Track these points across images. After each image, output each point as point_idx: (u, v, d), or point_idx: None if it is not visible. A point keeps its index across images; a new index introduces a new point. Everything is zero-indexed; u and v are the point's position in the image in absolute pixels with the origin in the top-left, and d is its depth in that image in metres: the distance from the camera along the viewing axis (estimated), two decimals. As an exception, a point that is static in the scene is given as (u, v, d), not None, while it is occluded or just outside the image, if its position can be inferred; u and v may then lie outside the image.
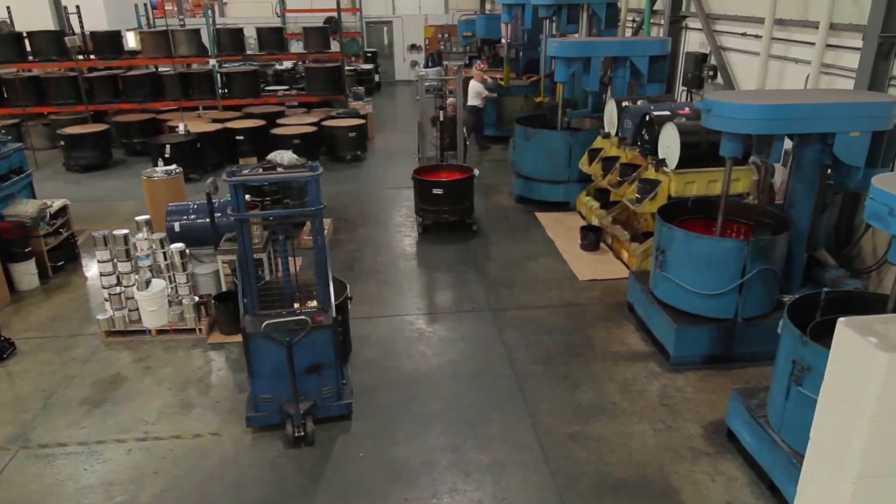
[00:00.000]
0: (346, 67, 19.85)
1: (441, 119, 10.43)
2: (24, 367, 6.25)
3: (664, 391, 5.72)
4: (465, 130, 10.94)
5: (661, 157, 7.86)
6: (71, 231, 8.69)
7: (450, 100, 10.71)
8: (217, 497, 4.63)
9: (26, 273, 7.78)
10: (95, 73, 14.80)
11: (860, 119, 5.46)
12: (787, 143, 7.79)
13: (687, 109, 8.37)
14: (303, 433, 5.08)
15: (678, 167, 7.61)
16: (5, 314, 7.23)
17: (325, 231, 9.24)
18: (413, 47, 24.18)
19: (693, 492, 4.58)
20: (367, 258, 8.65)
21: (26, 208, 7.84)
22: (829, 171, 6.07)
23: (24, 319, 7.16)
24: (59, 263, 8.34)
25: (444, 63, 22.54)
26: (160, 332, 6.75)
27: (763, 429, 4.57)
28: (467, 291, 7.61)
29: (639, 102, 8.96)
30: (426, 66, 22.98)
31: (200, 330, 6.75)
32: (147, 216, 6.97)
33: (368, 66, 21.45)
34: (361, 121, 13.64)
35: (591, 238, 8.69)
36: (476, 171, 9.33)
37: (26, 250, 7.74)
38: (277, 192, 6.27)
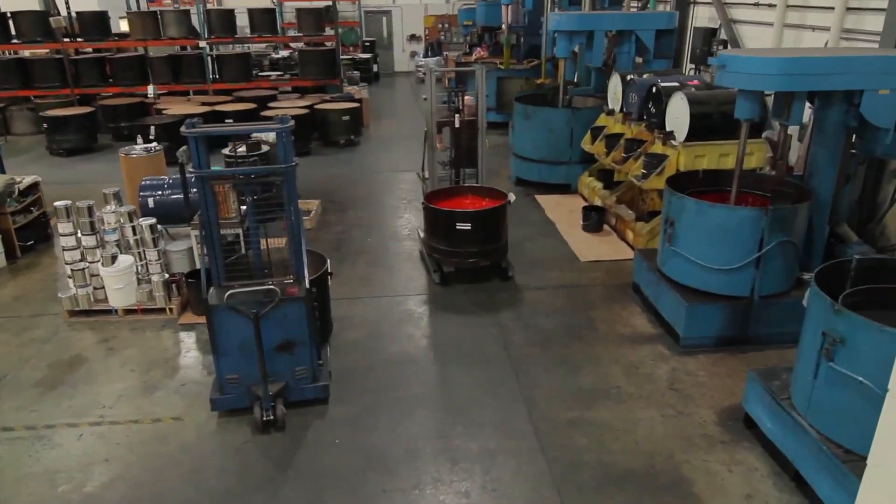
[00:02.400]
0: (344, 56, 19.42)
1: (455, 125, 7.46)
2: (-22, 347, 5.78)
3: (673, 375, 5.21)
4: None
5: (668, 129, 7.35)
6: (43, 210, 8.20)
7: (467, 98, 7.77)
8: (172, 487, 4.13)
9: (-9, 252, 7.31)
10: (82, 56, 14.33)
11: (891, 75, 4.95)
12: (804, 117, 7.31)
13: (696, 81, 7.87)
14: (272, 417, 4.58)
15: (687, 140, 7.11)
16: (-35, 294, 6.76)
17: (312, 212, 8.79)
18: (413, 37, 23.69)
19: (708, 483, 4.06)
20: (356, 239, 8.15)
21: (-9, 183, 7.36)
22: (853, 136, 5.57)
23: (-15, 299, 6.69)
24: (29, 243, 7.86)
25: (444, 53, 22.09)
26: (128, 312, 6.25)
27: (787, 413, 4.05)
28: (461, 272, 7.10)
29: (644, 76, 8.46)
30: (425, 56, 22.52)
31: (171, 310, 6.25)
32: (115, 188, 6.48)
33: (366, 56, 20.97)
34: (356, 104, 13.15)
35: (594, 218, 8.18)
36: (511, 197, 6.78)
37: (-9, 227, 7.27)
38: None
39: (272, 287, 4.43)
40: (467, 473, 4.20)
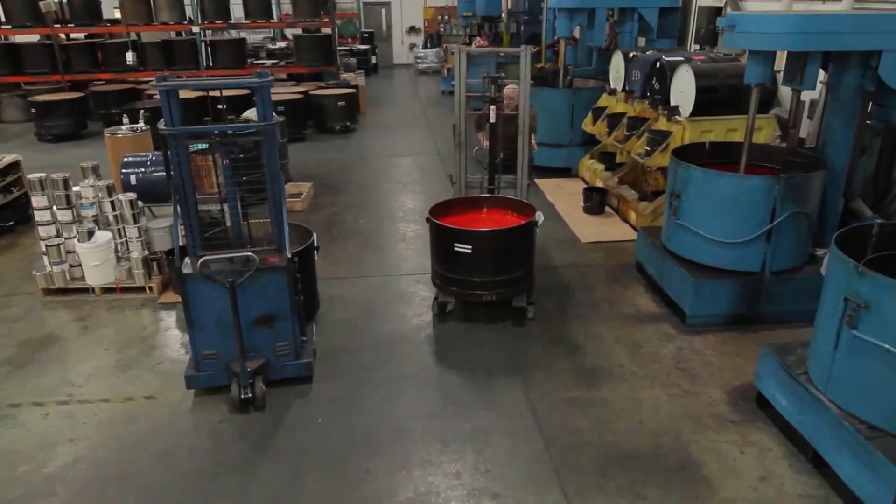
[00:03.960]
0: (342, 48, 19.11)
1: (491, 119, 5.83)
2: (-54, 326, 5.48)
3: (680, 354, 4.90)
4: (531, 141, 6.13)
5: (673, 105, 7.05)
6: (24, 191, 7.91)
7: (508, 89, 6.20)
8: (139, 467, 3.83)
9: (-33, 231, 7.02)
10: (73, 42, 14.05)
11: (912, 34, 4.65)
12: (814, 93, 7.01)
13: (703, 56, 7.57)
14: (250, 395, 4.27)
15: (693, 115, 6.81)
16: (-62, 273, 6.47)
17: (304, 194, 8.49)
18: (412, 29, 23.39)
19: (719, 465, 3.76)
20: (348, 221, 7.85)
21: (-32, 160, 7.07)
22: (870, 105, 5.26)
23: (-42, 279, 6.39)
24: (9, 224, 7.57)
25: (444, 45, 21.79)
26: (106, 290, 5.95)
27: (804, 388, 3.74)
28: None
29: (648, 53, 8.17)
30: (424, 48, 22.22)
31: (151, 289, 5.95)
32: (94, 162, 6.20)
33: (365, 47, 20.68)
34: (352, 90, 12.85)
35: (596, 200, 7.87)
36: (539, 217, 5.21)
37: (-32, 206, 6.98)
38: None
39: (250, 254, 4.13)
40: (458, 454, 3.90)
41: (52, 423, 4.25)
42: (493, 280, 5.08)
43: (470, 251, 4.97)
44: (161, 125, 4.04)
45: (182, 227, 4.26)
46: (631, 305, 5.66)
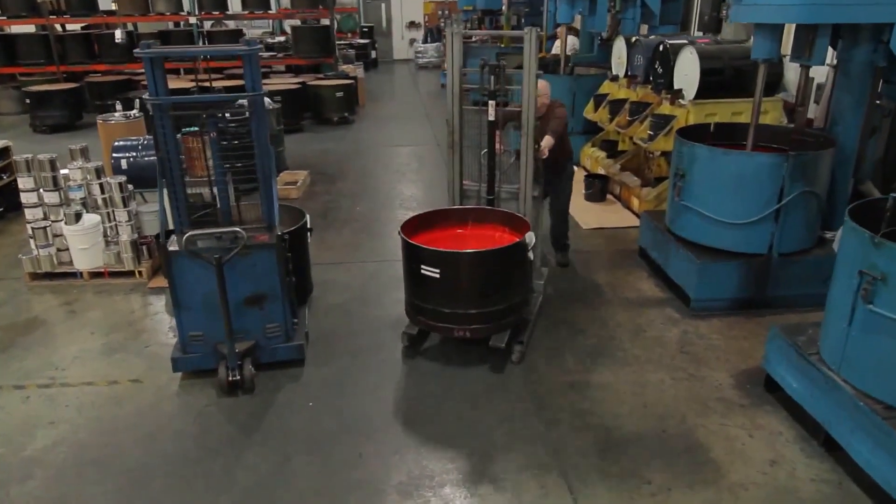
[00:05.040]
0: (342, 42, 18.95)
1: (490, 116, 4.72)
2: (-72, 310, 5.33)
3: (684, 338, 4.73)
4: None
5: (677, 88, 6.89)
6: (14, 177, 7.74)
7: (542, 85, 4.93)
8: (120, 451, 3.67)
9: (-45, 217, 6.86)
10: (68, 32, 13.90)
11: (926, 6, 4.48)
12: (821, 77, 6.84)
13: (708, 39, 7.42)
14: (238, 377, 4.11)
15: (697, 98, 6.65)
16: (-77, 259, 6.31)
17: (299, 182, 8.33)
18: (412, 24, 23.24)
19: (727, 449, 3.59)
20: (344, 208, 7.69)
21: (-44, 144, 6.92)
22: (880, 84, 5.11)
23: (-56, 264, 6.24)
24: (-2, 210, 7.42)
25: (444, 40, 21.64)
26: (94, 275, 5.79)
27: (816, 369, 3.58)
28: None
29: (651, 38, 8.00)
30: (424, 43, 22.07)
31: (140, 273, 5.79)
32: (83, 144, 6.04)
33: (364, 42, 20.53)
34: (350, 81, 12.69)
35: (597, 186, 7.70)
36: (530, 238, 4.24)
37: (-46, 191, 6.82)
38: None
39: (238, 230, 3.97)
40: (454, 437, 3.73)
41: (32, 406, 4.09)
42: (465, 313, 4.15)
43: (438, 276, 4.11)
44: (146, 96, 3.88)
45: (168, 204, 4.11)
46: (634, 290, 5.50)
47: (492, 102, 4.67)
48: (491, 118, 4.72)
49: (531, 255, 4.28)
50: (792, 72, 7.89)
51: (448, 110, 4.79)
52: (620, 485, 3.35)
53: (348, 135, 11.62)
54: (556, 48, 10.15)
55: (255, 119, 4.01)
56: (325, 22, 14.13)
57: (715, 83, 6.61)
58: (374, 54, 21.16)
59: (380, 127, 12.26)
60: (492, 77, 4.67)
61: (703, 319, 4.96)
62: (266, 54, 14.98)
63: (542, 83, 4.95)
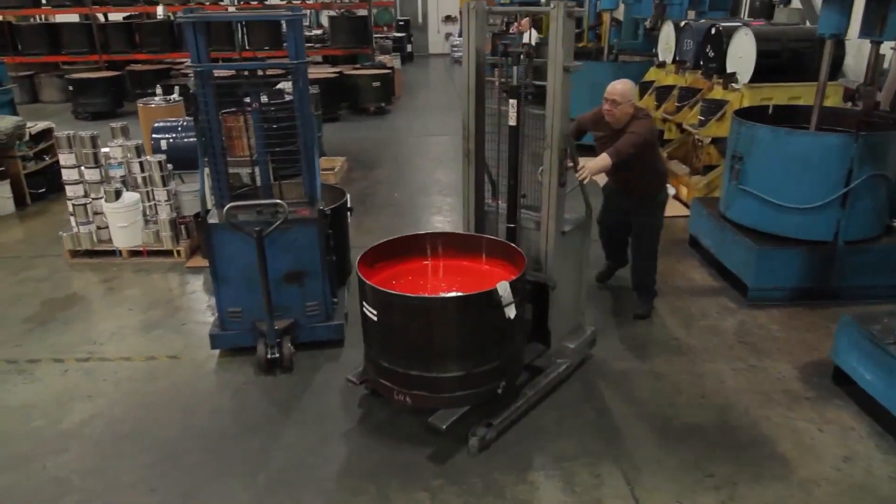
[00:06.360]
0: (377, 35, 18.88)
1: (511, 121, 3.69)
2: (-29, 284, 5.35)
3: (742, 328, 4.48)
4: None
5: (730, 71, 6.59)
6: (56, 159, 7.79)
7: (617, 85, 4.13)
8: (156, 425, 3.58)
9: (-1, 196, 6.92)
10: (110, 22, 14.09)
11: None
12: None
13: (763, 21, 7.10)
14: (277, 355, 3.99)
15: (751, 81, 6.35)
16: (-32, 236, 6.37)
17: (336, 168, 8.23)
18: (448, 18, 23.08)
19: (795, 442, 3.34)
20: (381, 194, 7.56)
21: (0, 124, 6.96)
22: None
23: (-13, 241, 6.29)
24: (40, 191, 7.46)
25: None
26: (133, 254, 5.75)
27: (894, 359, 3.31)
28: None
29: (701, 21, 7.71)
30: (460, 37, 21.90)
31: (179, 253, 5.73)
32: (124, 122, 6.01)
33: (400, 35, 20.42)
34: (387, 71, 12.58)
35: (643, 175, 7.41)
36: (502, 288, 3.10)
37: (-1, 170, 6.88)
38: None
39: (279, 202, 3.84)
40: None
41: (70, 379, 4.03)
42: (405, 373, 3.22)
43: (375, 319, 3.26)
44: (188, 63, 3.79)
45: (208, 178, 4.02)
46: (685, 279, 5.25)
47: (513, 102, 3.60)
48: (512, 122, 3.65)
49: (509, 311, 3.10)
50: (850, 57, 7.52)
51: (463, 109, 3.97)
52: (681, 476, 3.13)
53: (384, 124, 11.51)
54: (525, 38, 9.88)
55: (296, 88, 3.88)
56: (363, 12, 14.04)
57: (771, 66, 6.30)
58: (409, 48, 21.06)
59: (416, 117, 12.12)
60: (514, 68, 3.56)
61: (761, 309, 4.69)
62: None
63: (620, 85, 4.05)
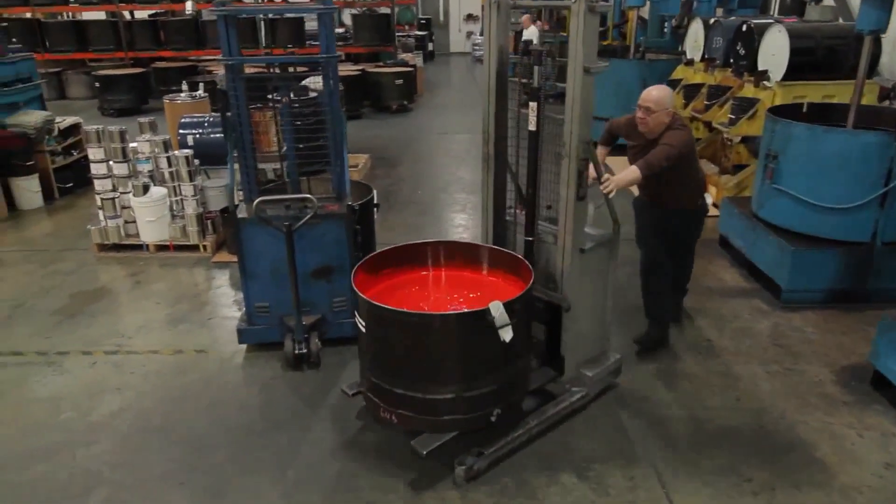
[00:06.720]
0: (399, 34, 18.88)
1: (531, 126, 3.36)
2: (1, 276, 5.40)
3: (776, 330, 4.38)
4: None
5: (762, 69, 6.47)
6: (84, 154, 7.87)
7: (651, 91, 3.85)
8: (184, 419, 3.58)
9: (28, 190, 6.99)
10: (136, 20, 14.24)
11: None
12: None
13: (794, 19, 6.96)
14: (305, 351, 3.98)
15: (784, 79, 6.22)
16: (-2, 229, 6.45)
17: (360, 165, 8.22)
18: (469, 17, 23.03)
19: (834, 448, 3.25)
20: (405, 192, 7.54)
21: (30, 118, 7.04)
22: None
23: (17, 234, 6.35)
24: (68, 185, 7.54)
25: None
26: (159, 248, 5.79)
27: (940, 364, 3.21)
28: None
29: (731, 18, 7.58)
30: (482, 36, 21.84)
31: (205, 247, 5.76)
32: (151, 117, 6.05)
33: (422, 34, 20.41)
34: (410, 69, 12.57)
35: (670, 174, 7.30)
36: (497, 309, 2.83)
37: (28, 164, 6.95)
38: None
39: (308, 196, 3.83)
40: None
41: (99, 371, 4.05)
42: (391, 390, 3.05)
43: (364, 330, 3.13)
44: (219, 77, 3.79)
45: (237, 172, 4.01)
46: (716, 280, 5.15)
47: (533, 105, 3.29)
48: (532, 127, 3.33)
49: (504, 334, 2.84)
50: (885, 55, 7.35)
51: (483, 110, 3.65)
52: (717, 481, 3.06)
53: (406, 122, 11.50)
54: (526, 35, 9.82)
55: (326, 83, 3.86)
56: (385, 10, 14.04)
57: (805, 63, 6.17)
58: (431, 46, 21.04)
59: (438, 115, 12.10)
60: (536, 68, 3.25)
61: (795, 311, 4.59)
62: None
63: (655, 91, 3.72)
